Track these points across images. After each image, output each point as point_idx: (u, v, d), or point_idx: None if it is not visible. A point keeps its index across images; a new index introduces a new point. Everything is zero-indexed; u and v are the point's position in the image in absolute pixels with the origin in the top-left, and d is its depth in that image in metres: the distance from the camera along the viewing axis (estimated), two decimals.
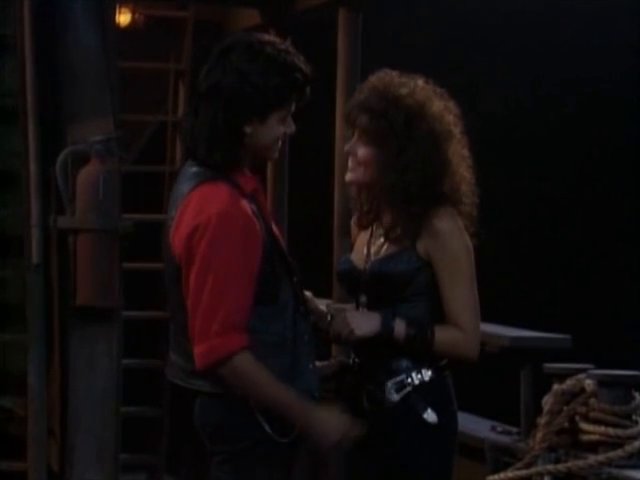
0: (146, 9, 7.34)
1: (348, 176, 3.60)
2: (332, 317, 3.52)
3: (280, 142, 3.47)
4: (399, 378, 3.45)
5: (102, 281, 5.43)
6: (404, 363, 3.46)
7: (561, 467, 3.79)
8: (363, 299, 3.55)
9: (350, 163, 3.58)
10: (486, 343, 4.64)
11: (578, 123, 8.12)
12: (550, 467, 3.79)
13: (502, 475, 3.81)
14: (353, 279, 3.59)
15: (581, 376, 3.98)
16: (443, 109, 3.57)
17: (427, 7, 7.57)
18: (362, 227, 3.67)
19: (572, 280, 7.54)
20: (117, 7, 6.35)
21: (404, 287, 3.48)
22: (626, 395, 3.96)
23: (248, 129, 3.36)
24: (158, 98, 7.52)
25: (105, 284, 5.43)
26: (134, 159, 7.34)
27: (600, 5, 7.97)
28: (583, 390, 3.95)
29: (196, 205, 3.33)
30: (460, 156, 3.56)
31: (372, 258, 3.56)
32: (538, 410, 4.12)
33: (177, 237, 3.36)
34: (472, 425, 4.69)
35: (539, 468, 3.86)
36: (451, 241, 3.48)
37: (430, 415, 3.42)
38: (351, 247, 3.73)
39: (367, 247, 3.61)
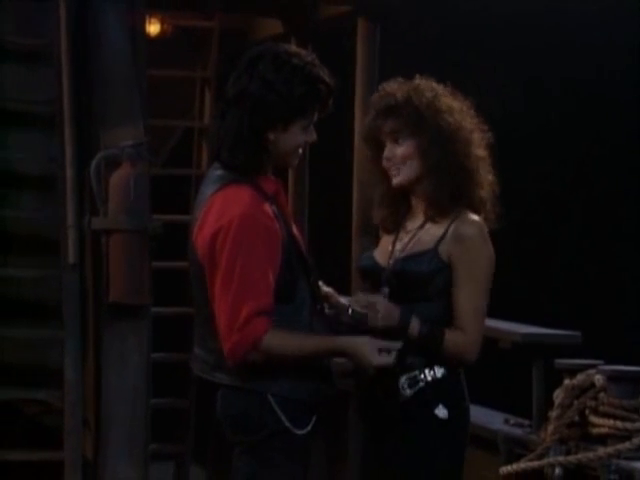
0: (174, 19, 7.37)
1: (395, 180, 3.60)
2: (353, 310, 3.53)
3: (301, 150, 3.49)
4: (413, 374, 3.46)
5: (133, 279, 5.46)
6: (418, 360, 3.47)
7: (571, 459, 3.79)
8: (385, 294, 3.56)
9: (392, 170, 3.59)
10: (499, 339, 4.66)
11: (578, 123, 7.99)
12: (561, 459, 3.80)
13: (515, 466, 3.81)
14: (375, 275, 3.61)
15: (591, 371, 3.98)
16: (450, 93, 3.59)
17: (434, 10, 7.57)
18: (387, 231, 3.69)
19: (581, 278, 7.47)
20: (147, 18, 6.39)
21: (423, 286, 3.49)
22: (634, 390, 3.94)
23: (271, 135, 3.38)
24: (185, 104, 7.54)
25: (135, 282, 5.46)
26: (162, 163, 7.39)
27: (600, 5, 7.80)
28: (593, 385, 3.95)
29: (219, 207, 3.35)
30: (477, 135, 3.55)
31: (396, 256, 3.58)
32: (549, 404, 4.12)
33: (200, 238, 3.38)
34: (486, 418, 4.69)
35: (550, 459, 3.86)
36: (474, 248, 3.48)
37: (441, 410, 3.44)
38: (376, 245, 3.75)
39: (392, 246, 3.63)
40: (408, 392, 3.46)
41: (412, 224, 3.59)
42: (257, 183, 3.38)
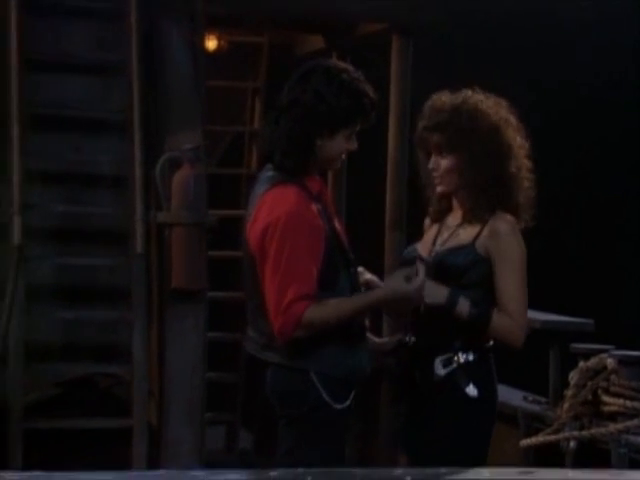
0: (229, 36, 7.37)
1: (439, 189, 3.60)
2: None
3: (343, 156, 3.50)
4: (447, 356, 3.48)
5: (191, 267, 5.50)
6: (453, 343, 3.49)
7: (585, 433, 3.78)
8: None
9: (436, 179, 3.59)
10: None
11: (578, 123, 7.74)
12: (575, 433, 3.78)
13: (533, 439, 3.80)
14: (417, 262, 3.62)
15: (603, 355, 3.97)
16: (493, 105, 3.58)
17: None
18: (433, 222, 3.70)
19: (595, 270, 7.38)
20: (206, 35, 6.42)
21: (460, 276, 3.50)
22: None
23: (319, 141, 3.39)
24: (237, 112, 7.56)
25: (194, 269, 5.49)
26: (217, 163, 7.41)
27: (600, 5, 7.57)
28: (605, 368, 3.93)
29: (269, 205, 3.39)
30: (518, 142, 3.58)
31: (436, 250, 3.59)
32: (565, 384, 4.11)
33: (253, 233, 3.41)
34: (507, 395, 4.69)
35: (566, 434, 3.84)
36: (508, 243, 3.49)
37: (471, 390, 3.46)
38: (419, 239, 3.76)
39: (434, 240, 3.64)
40: (442, 372, 3.47)
41: (453, 221, 3.61)
42: (304, 183, 3.40)
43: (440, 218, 3.64)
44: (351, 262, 3.48)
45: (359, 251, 3.75)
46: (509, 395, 4.74)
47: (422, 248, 3.63)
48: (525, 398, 4.72)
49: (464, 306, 3.44)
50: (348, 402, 3.41)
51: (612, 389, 4.02)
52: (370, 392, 4.85)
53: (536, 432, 4.22)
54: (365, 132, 3.58)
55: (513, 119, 3.56)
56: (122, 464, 4.98)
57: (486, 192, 3.50)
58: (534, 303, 4.58)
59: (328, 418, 3.39)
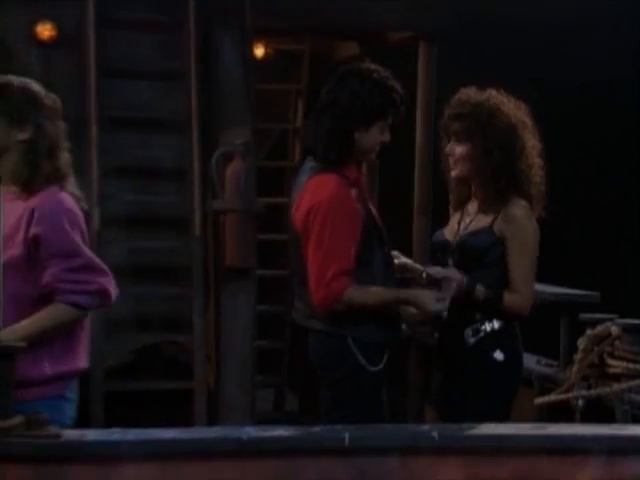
0: (274, 43, 7.37)
1: (453, 173, 3.62)
2: (427, 274, 3.55)
3: (379, 147, 3.52)
4: (475, 326, 3.52)
5: (243, 248, 5.54)
6: (480, 315, 3.52)
7: (592, 392, 3.78)
8: (450, 263, 3.61)
9: (451, 162, 3.61)
10: (534, 298, 4.67)
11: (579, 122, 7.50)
12: (584, 392, 3.79)
13: (546, 398, 3.82)
14: (443, 248, 3.65)
15: (608, 323, 3.98)
16: (513, 107, 3.58)
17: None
18: (455, 210, 3.72)
19: (602, 246, 7.28)
20: (254, 43, 6.46)
21: (481, 257, 3.52)
22: None
23: (356, 135, 3.42)
24: (282, 111, 7.56)
25: (245, 250, 5.54)
26: (264, 157, 7.44)
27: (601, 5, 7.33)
28: (610, 334, 3.93)
29: (312, 191, 3.43)
30: (532, 143, 3.58)
31: (459, 233, 3.61)
32: (574, 349, 4.13)
33: (298, 215, 3.46)
34: (525, 360, 4.68)
35: (575, 393, 3.85)
36: (521, 226, 3.51)
37: (498, 354, 3.51)
38: (446, 224, 3.78)
39: (457, 225, 3.66)
40: (472, 340, 3.50)
41: (472, 208, 3.63)
42: (342, 171, 3.43)
43: (461, 206, 3.64)
44: (385, 241, 3.49)
45: (390, 234, 3.77)
46: (525, 359, 4.65)
47: (448, 233, 3.65)
48: (539, 362, 4.71)
49: (480, 291, 3.47)
50: (382, 365, 3.43)
51: (616, 353, 4.02)
52: (400, 357, 4.87)
53: (549, 392, 4.22)
54: (395, 127, 3.59)
55: (529, 122, 3.56)
56: (185, 422, 5.04)
57: (495, 182, 3.50)
58: (547, 277, 4.61)
59: (364, 380, 3.42)
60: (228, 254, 5.51)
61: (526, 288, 3.53)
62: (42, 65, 5.52)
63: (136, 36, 5.61)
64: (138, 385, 5.25)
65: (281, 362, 7.18)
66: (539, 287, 4.68)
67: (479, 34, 7.37)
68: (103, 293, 3.20)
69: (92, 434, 2.61)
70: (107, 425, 4.40)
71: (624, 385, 3.78)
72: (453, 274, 3.50)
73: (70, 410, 3.22)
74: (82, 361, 3.26)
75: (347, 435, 2.58)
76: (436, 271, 3.52)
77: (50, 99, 3.31)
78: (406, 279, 3.65)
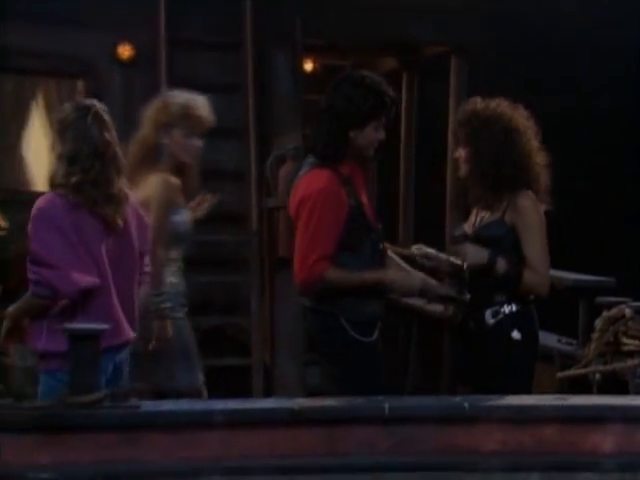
0: (321, 59, 7.38)
1: (459, 173, 3.61)
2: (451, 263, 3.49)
3: (375, 144, 3.44)
4: (495, 308, 3.47)
5: (293, 241, 5.53)
6: (500, 297, 3.48)
7: (608, 368, 3.74)
8: None
9: (460, 165, 3.60)
10: (556, 284, 4.61)
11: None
12: (600, 368, 3.76)
13: (567, 372, 3.80)
14: (463, 239, 3.62)
15: (622, 306, 3.93)
16: (513, 113, 3.53)
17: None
18: (473, 207, 3.69)
19: (617, 232, 7.09)
20: (303, 59, 6.47)
21: (494, 246, 3.47)
22: None
23: (351, 134, 3.36)
24: None
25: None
26: None
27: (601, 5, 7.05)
28: (624, 316, 3.89)
29: (305, 184, 3.40)
30: (534, 146, 3.54)
31: (476, 226, 3.59)
32: (591, 329, 4.10)
33: (292, 203, 3.44)
34: (545, 338, 4.55)
35: (593, 368, 3.82)
36: (530, 215, 3.46)
37: (516, 334, 3.44)
38: (466, 220, 3.76)
39: (474, 218, 3.63)
40: (492, 321, 3.46)
41: (485, 202, 3.58)
42: (336, 168, 3.37)
43: (477, 202, 3.61)
44: (374, 231, 3.44)
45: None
46: (547, 338, 4.66)
47: (467, 227, 3.62)
48: (559, 340, 4.67)
49: (501, 264, 3.43)
50: (374, 336, 3.36)
51: (629, 332, 3.96)
52: (435, 337, 4.84)
53: (569, 367, 4.19)
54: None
55: (531, 127, 3.50)
56: (244, 394, 5.05)
57: (482, 182, 3.46)
58: (567, 265, 4.57)
59: (359, 352, 3.35)
60: (281, 246, 5.55)
61: (543, 268, 3.48)
62: (122, 81, 5.67)
63: (201, 54, 5.68)
64: (203, 362, 5.28)
65: None
66: (560, 274, 4.67)
67: (507, 48, 7.30)
68: (48, 285, 3.13)
69: (166, 404, 2.65)
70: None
71: (637, 361, 3.73)
72: (467, 247, 3.45)
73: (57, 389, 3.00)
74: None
75: (387, 405, 2.59)
76: (459, 247, 3.48)
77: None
78: (431, 268, 3.60)
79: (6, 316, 3.23)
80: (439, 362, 5.76)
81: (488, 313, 3.48)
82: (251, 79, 5.62)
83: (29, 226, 3.20)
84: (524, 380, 3.52)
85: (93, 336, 2.41)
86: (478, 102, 3.55)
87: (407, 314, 5.33)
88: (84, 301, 3.15)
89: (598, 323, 4.06)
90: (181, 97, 3.92)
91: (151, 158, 3.85)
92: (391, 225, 7.45)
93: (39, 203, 3.25)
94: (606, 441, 2.65)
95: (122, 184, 3.28)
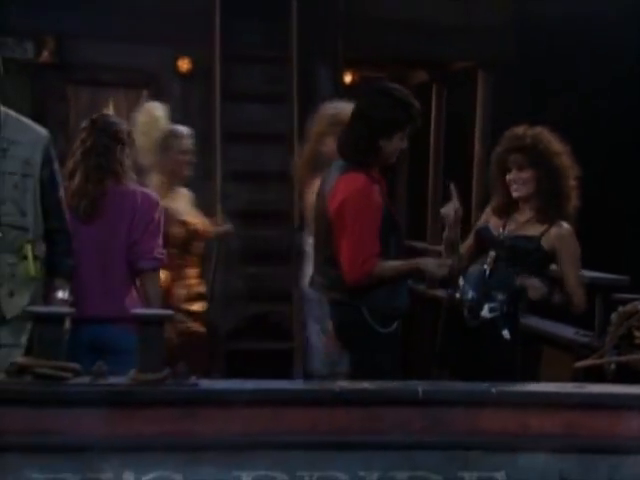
0: (359, 72, 7.39)
1: (515, 194, 3.57)
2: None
3: (398, 152, 3.42)
4: (494, 305, 3.45)
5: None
6: (501, 296, 3.46)
7: (622, 358, 3.71)
8: (492, 255, 3.56)
9: (514, 187, 3.57)
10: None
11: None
12: (615, 358, 3.73)
13: (584, 362, 3.77)
14: (491, 240, 3.60)
15: (636, 302, 3.89)
16: (553, 138, 3.53)
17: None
18: (498, 216, 3.66)
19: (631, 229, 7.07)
20: (343, 71, 6.48)
21: (524, 257, 3.47)
22: None
23: (381, 142, 3.35)
24: None
25: None
26: None
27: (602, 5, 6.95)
28: (637, 311, 3.87)
29: (344, 185, 3.36)
30: (571, 168, 3.52)
31: (506, 234, 3.56)
32: (607, 323, 4.06)
33: (332, 203, 3.38)
34: (564, 330, 4.64)
35: (608, 359, 3.80)
36: (571, 244, 3.52)
37: (506, 334, 3.43)
38: (486, 221, 3.72)
39: (502, 227, 3.60)
40: (488, 316, 3.44)
41: (520, 218, 3.57)
42: (369, 173, 3.36)
43: (504, 214, 3.60)
44: (398, 228, 3.46)
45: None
46: (566, 330, 4.66)
47: (494, 228, 3.60)
48: (577, 333, 4.63)
49: (557, 298, 3.50)
50: (393, 327, 3.36)
51: None
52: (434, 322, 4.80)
53: (585, 357, 4.16)
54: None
55: (566, 150, 3.52)
56: (287, 376, 5.00)
57: (554, 199, 3.47)
58: (585, 263, 4.52)
59: (379, 342, 3.35)
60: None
61: (581, 291, 3.53)
62: (181, 92, 5.83)
63: (252, 67, 5.75)
64: (250, 345, 5.30)
65: None
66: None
67: (530, 62, 7.24)
68: None
69: (219, 383, 2.67)
70: (228, 376, 4.48)
71: None
72: (534, 282, 3.46)
73: None
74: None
75: (420, 389, 2.59)
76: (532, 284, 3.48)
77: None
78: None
79: None
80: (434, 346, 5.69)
81: (487, 308, 3.45)
82: (296, 90, 5.66)
83: None
84: (509, 370, 3.47)
85: (157, 321, 2.44)
86: (524, 128, 3.56)
87: (433, 305, 5.30)
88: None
89: (613, 318, 4.02)
90: (332, 108, 3.99)
91: (315, 165, 3.94)
92: (420, 225, 7.43)
93: None
94: (623, 426, 2.62)
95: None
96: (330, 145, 3.86)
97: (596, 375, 3.42)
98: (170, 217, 4.11)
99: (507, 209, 3.60)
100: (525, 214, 3.59)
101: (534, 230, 3.54)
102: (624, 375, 3.44)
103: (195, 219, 4.47)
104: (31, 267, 3.22)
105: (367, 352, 3.34)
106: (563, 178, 3.50)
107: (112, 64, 5.83)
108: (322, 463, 2.50)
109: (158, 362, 2.43)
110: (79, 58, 5.84)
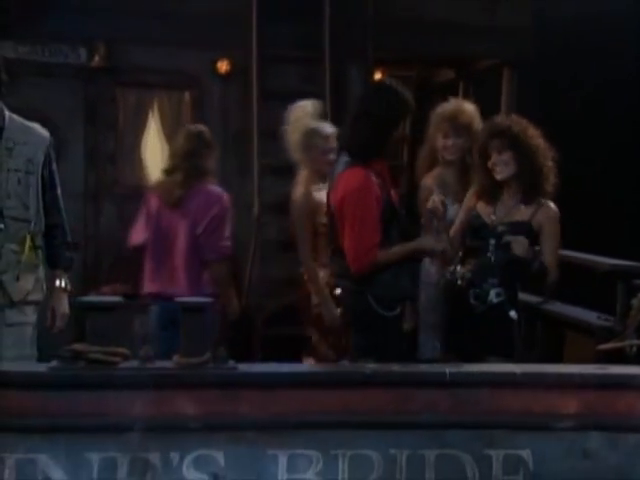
0: (389, 71, 7.31)
1: (498, 176, 3.56)
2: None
3: (401, 142, 3.56)
4: (499, 290, 3.46)
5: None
6: (505, 282, 3.46)
7: None
8: (492, 242, 3.54)
9: (497, 169, 3.57)
10: (595, 267, 4.52)
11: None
12: (635, 341, 3.69)
13: (607, 345, 3.73)
14: (484, 227, 3.57)
15: None
16: (528, 124, 3.52)
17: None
18: (479, 199, 3.61)
19: None
20: (374, 71, 6.42)
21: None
22: None
23: (383, 137, 3.40)
24: None
25: None
26: None
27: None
28: None
29: (345, 181, 3.41)
30: (548, 151, 3.51)
31: (498, 221, 3.55)
32: (628, 308, 4.00)
33: (334, 198, 3.44)
34: (586, 315, 4.50)
35: (629, 342, 3.75)
36: (554, 222, 3.51)
37: (513, 314, 3.43)
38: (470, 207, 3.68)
39: (492, 213, 3.59)
40: (494, 300, 3.44)
41: (508, 201, 3.56)
42: (369, 165, 3.40)
43: (491, 199, 3.58)
44: (399, 217, 3.48)
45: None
46: (587, 315, 4.53)
47: (486, 217, 3.59)
48: (599, 317, 4.54)
49: (537, 263, 3.47)
50: (397, 311, 3.38)
51: None
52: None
53: (607, 341, 4.10)
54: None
55: (540, 134, 3.52)
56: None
57: (536, 178, 3.46)
58: (606, 250, 4.46)
59: (383, 325, 3.37)
60: None
61: (556, 268, 3.54)
62: (221, 92, 5.84)
63: (287, 67, 5.76)
64: (287, 331, 5.30)
65: None
66: (601, 259, 4.55)
67: (553, 61, 7.16)
68: None
69: (257, 367, 2.69)
70: (264, 360, 4.49)
71: None
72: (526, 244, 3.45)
73: None
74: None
75: (447, 371, 2.58)
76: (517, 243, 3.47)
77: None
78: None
79: None
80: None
81: (493, 292, 3.45)
82: (328, 88, 5.64)
83: None
84: (513, 352, 3.48)
85: (200, 308, 2.46)
86: (503, 117, 3.57)
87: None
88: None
89: (634, 303, 3.96)
90: (440, 107, 4.04)
91: (430, 160, 4.05)
92: None
93: None
94: None
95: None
96: (440, 141, 3.97)
97: (617, 357, 3.39)
98: (317, 208, 4.16)
99: (492, 193, 3.60)
100: (512, 197, 3.58)
101: (523, 214, 3.54)
102: None
103: None
104: (32, 255, 3.36)
105: (371, 335, 3.37)
106: (541, 158, 3.49)
107: (157, 67, 5.91)
108: (354, 442, 2.51)
109: (200, 347, 2.45)
110: (127, 62, 5.96)
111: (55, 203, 3.46)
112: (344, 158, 3.47)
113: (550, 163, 3.52)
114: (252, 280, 5.04)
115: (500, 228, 3.51)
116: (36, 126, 3.48)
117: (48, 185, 3.43)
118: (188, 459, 2.44)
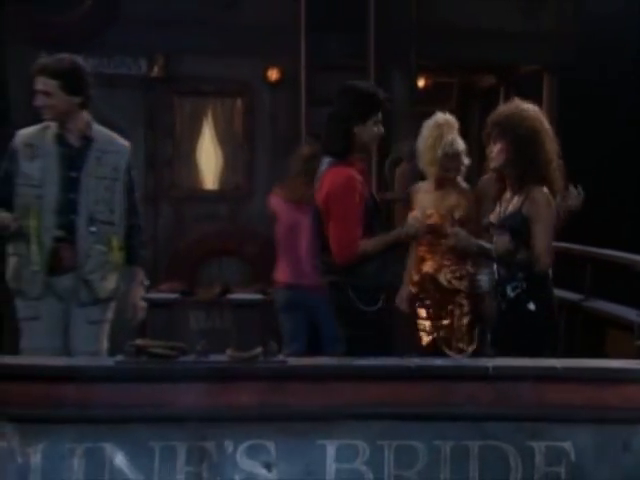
0: (431, 77, 7.31)
1: (491, 165, 3.48)
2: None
3: (377, 139, 3.45)
4: (515, 284, 3.36)
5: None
6: (519, 275, 3.36)
7: None
8: (495, 240, 3.46)
9: (491, 159, 3.48)
10: (631, 265, 4.38)
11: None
12: None
13: None
14: (489, 227, 3.50)
15: None
16: (536, 116, 3.39)
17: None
18: (496, 200, 3.54)
19: None
20: (417, 76, 6.43)
21: (517, 235, 3.36)
22: None
23: (356, 129, 3.38)
24: None
25: None
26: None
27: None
28: None
29: (330, 179, 3.39)
30: (554, 149, 3.38)
31: (499, 217, 3.49)
32: None
33: (319, 196, 3.43)
34: (627, 312, 4.43)
35: None
36: (542, 209, 3.35)
37: (531, 305, 3.32)
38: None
39: (499, 209, 3.52)
40: (512, 294, 3.36)
41: (508, 196, 3.49)
42: (351, 163, 3.39)
43: (499, 196, 3.50)
44: (380, 212, 3.51)
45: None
46: (626, 312, 4.45)
47: (492, 217, 3.53)
48: (638, 315, 4.46)
49: (520, 255, 3.34)
50: (377, 306, 3.35)
51: None
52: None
53: None
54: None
55: (550, 129, 3.38)
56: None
57: (529, 165, 3.34)
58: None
59: (364, 318, 3.34)
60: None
61: (547, 255, 3.34)
62: (271, 99, 5.93)
63: (334, 75, 5.65)
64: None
65: None
66: (635, 257, 4.45)
67: (594, 67, 7.02)
68: None
69: (305, 360, 2.70)
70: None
71: None
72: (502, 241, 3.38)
73: None
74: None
75: (491, 365, 2.55)
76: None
77: None
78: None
79: None
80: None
81: (509, 287, 3.38)
82: None
83: None
84: (538, 343, 3.34)
85: (250, 305, 2.47)
86: (510, 106, 3.45)
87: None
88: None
89: None
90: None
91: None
92: None
93: None
94: None
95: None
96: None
97: None
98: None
99: (501, 191, 3.50)
100: (509, 189, 3.48)
101: (515, 204, 3.43)
102: None
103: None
104: (117, 256, 3.51)
105: (352, 329, 3.37)
106: (534, 143, 3.33)
107: (211, 76, 6.00)
108: (400, 433, 2.49)
109: (252, 341, 2.46)
110: (183, 72, 6.07)
111: (134, 205, 3.61)
112: (326, 158, 3.49)
113: (550, 146, 3.36)
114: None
115: (500, 223, 3.44)
116: (116, 135, 3.62)
117: (129, 189, 3.58)
118: (241, 448, 2.45)
